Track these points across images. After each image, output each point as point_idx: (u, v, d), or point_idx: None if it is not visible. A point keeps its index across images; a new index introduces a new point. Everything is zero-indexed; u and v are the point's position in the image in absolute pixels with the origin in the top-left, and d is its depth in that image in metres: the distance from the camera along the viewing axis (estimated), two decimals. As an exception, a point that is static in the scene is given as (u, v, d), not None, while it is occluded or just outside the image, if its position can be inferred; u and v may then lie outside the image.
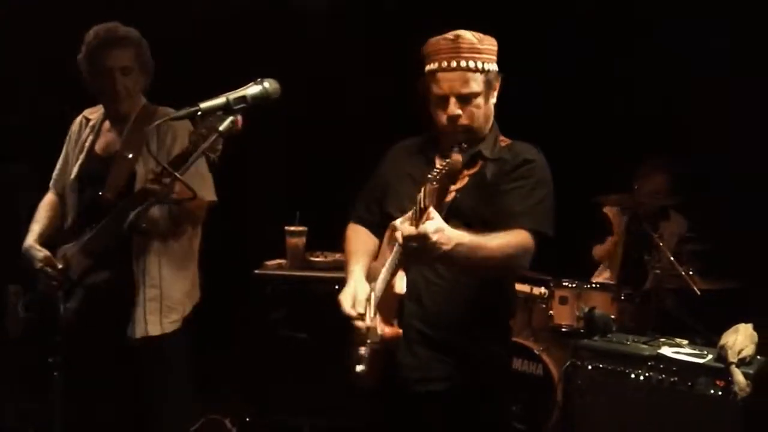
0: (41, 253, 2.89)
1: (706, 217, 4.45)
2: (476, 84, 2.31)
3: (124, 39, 2.86)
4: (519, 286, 4.62)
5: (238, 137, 2.18)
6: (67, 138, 3.10)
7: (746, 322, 3.37)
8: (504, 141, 2.45)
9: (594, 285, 4.43)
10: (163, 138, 2.86)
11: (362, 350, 2.34)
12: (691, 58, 4.33)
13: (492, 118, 2.44)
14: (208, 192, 2.92)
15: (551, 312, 4.36)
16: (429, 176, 1.97)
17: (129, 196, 2.72)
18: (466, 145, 2.09)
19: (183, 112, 2.17)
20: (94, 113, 3.06)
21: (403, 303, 2.23)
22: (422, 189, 1.99)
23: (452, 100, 2.32)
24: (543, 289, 4.48)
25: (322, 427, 4.00)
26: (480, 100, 2.34)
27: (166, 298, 2.89)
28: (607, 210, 4.85)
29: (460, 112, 2.32)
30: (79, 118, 3.10)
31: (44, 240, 3.01)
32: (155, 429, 2.94)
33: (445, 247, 1.98)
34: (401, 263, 2.19)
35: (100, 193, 2.80)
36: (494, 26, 2.41)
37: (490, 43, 2.36)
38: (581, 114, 4.76)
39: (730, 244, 4.14)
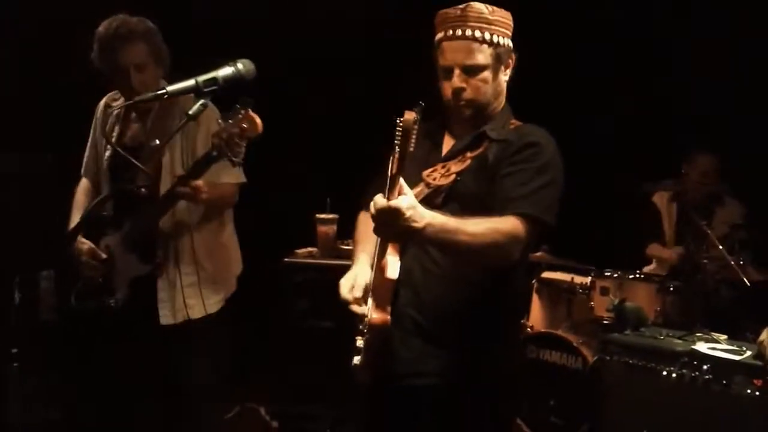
0: (85, 245, 2.89)
1: (760, 203, 4.18)
2: (482, 56, 2.18)
3: (134, 34, 2.75)
4: (560, 275, 4.47)
5: (272, 124, 2.14)
6: (93, 124, 3.09)
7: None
8: (514, 123, 2.30)
9: (637, 275, 4.19)
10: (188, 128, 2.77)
11: (359, 341, 2.27)
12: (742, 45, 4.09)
13: (503, 96, 2.30)
14: (233, 176, 2.85)
15: (592, 303, 4.15)
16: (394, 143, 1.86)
17: (158, 199, 2.73)
18: (423, 103, 1.95)
19: (150, 95, 2.16)
20: (116, 100, 3.01)
21: (396, 290, 2.13)
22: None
23: (456, 71, 2.19)
24: (586, 279, 4.27)
25: (341, 417, 3.95)
26: (487, 74, 2.20)
27: (203, 281, 2.89)
28: (656, 198, 4.60)
29: (464, 85, 2.20)
30: (101, 104, 3.07)
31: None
32: (192, 412, 2.94)
33: (415, 225, 1.88)
34: (386, 245, 2.08)
35: (134, 188, 2.79)
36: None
37: (502, 16, 2.22)
38: (628, 104, 4.55)
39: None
